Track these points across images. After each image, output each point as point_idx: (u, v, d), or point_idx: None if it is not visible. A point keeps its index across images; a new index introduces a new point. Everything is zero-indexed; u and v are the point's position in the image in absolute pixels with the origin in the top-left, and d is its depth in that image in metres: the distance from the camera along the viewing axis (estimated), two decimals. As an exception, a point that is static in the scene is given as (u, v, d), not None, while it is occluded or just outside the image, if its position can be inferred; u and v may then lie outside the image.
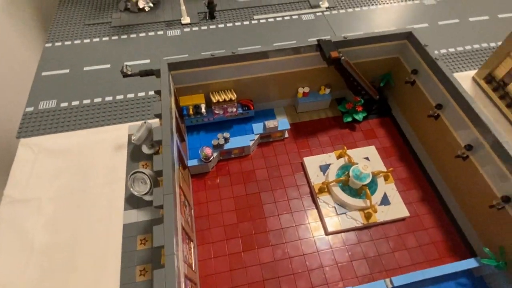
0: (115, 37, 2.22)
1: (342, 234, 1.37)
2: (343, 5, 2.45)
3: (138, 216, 1.40)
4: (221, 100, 1.56)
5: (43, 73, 1.99)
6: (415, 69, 1.51)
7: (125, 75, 1.35)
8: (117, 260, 1.29)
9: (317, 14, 2.38)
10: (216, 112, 1.61)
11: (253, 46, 1.91)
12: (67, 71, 2.00)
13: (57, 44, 2.17)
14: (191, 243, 1.21)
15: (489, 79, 1.88)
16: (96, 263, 1.30)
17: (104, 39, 2.21)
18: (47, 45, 2.16)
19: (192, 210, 1.40)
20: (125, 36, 2.23)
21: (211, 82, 1.55)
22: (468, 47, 2.16)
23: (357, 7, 2.45)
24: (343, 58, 1.34)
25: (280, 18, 2.37)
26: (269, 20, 2.36)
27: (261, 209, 1.44)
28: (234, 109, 1.63)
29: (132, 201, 1.44)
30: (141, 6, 2.37)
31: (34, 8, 2.55)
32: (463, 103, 1.27)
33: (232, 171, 1.56)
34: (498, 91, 1.84)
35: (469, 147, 1.25)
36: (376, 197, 1.39)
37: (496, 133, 1.15)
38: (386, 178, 1.47)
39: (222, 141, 1.49)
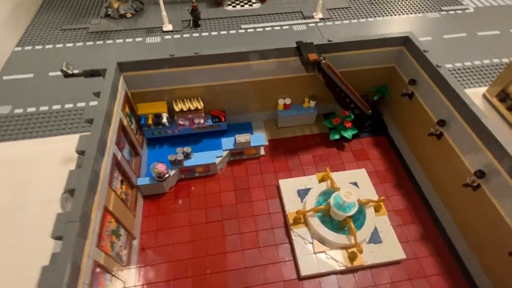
0: (90, 43, 2.07)
1: (320, 278, 1.09)
2: (338, 17, 2.27)
3: (73, 244, 1.14)
4: (184, 109, 1.33)
5: (4, 77, 1.82)
6: (412, 79, 1.27)
7: (67, 75, 1.15)
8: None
9: (310, 25, 2.20)
10: (181, 123, 1.39)
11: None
12: (31, 75, 1.83)
13: (27, 48, 2.03)
14: (117, 282, 0.94)
15: (503, 96, 1.62)
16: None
17: (78, 44, 2.06)
18: (16, 49, 2.02)
19: (135, 240, 1.14)
20: (100, 42, 2.08)
21: (176, 87, 1.34)
22: (477, 62, 1.92)
23: (354, 19, 2.26)
24: (323, 61, 1.12)
25: (270, 28, 2.19)
26: (258, 30, 2.18)
27: (222, 242, 1.17)
28: (202, 120, 1.41)
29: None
30: (122, 12, 2.23)
31: (11, 11, 2.44)
32: (471, 119, 1.02)
33: (194, 193, 1.31)
34: (513, 110, 1.57)
35: (480, 174, 0.98)
36: (364, 233, 1.12)
37: (516, 156, 0.89)
38: (377, 209, 1.19)
39: (181, 157, 1.25)
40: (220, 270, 1.11)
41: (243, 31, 2.18)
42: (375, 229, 1.15)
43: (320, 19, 2.24)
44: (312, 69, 1.17)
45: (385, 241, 1.13)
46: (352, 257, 1.07)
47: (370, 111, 1.39)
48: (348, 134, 1.42)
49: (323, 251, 1.10)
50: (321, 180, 1.28)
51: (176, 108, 1.34)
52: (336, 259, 1.09)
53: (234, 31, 2.18)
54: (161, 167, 1.20)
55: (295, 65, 1.32)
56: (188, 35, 2.14)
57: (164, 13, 2.09)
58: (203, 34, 2.16)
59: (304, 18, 2.26)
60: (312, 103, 1.49)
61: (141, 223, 1.21)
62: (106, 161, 0.95)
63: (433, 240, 1.18)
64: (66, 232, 0.72)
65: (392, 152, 1.45)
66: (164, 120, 1.36)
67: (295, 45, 1.24)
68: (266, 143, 1.48)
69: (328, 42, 1.25)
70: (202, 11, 2.23)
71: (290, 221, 1.17)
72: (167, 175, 1.23)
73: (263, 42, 2.05)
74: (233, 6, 2.38)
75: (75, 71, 1.15)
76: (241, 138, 1.33)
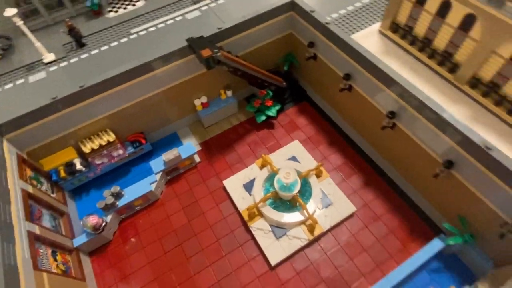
0: (-39, 104, 1.74)
1: (290, 260, 1.12)
2: (228, -8, 2.19)
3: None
4: (95, 148, 1.21)
5: None
6: (310, 41, 1.29)
7: None
8: None
9: (202, 8, 2.09)
10: (98, 162, 1.26)
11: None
12: None
13: None
14: None
15: (395, 27, 1.73)
16: None
17: None
18: None
19: (95, 305, 1.04)
20: (-27, 100, 1.75)
21: (77, 127, 1.20)
22: (365, 1, 2.02)
23: (244, -11, 2.20)
24: (218, 53, 1.07)
25: (163, 24, 2.03)
26: (150, 29, 2.01)
27: (186, 267, 1.13)
28: (121, 151, 1.29)
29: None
30: (-13, 56, 1.89)
31: None
32: (369, 66, 1.07)
33: (142, 228, 1.23)
34: (406, 38, 1.70)
35: (391, 115, 1.05)
36: (315, 202, 1.16)
37: (416, 91, 0.96)
38: (319, 175, 1.24)
39: (110, 200, 1.14)
40: (194, 294, 1.08)
41: (135, 35, 1.99)
42: (323, 193, 1.20)
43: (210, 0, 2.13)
44: (211, 64, 1.11)
45: (334, 201, 1.19)
46: (310, 229, 1.11)
47: (284, 83, 1.40)
48: (272, 112, 1.42)
49: (284, 234, 1.13)
50: (262, 166, 1.28)
51: (86, 150, 1.20)
52: (298, 237, 1.12)
53: (125, 39, 1.98)
54: (93, 219, 1.09)
55: (195, 63, 1.26)
56: (76, 59, 1.89)
57: (37, 43, 1.81)
58: (92, 52, 1.93)
59: (194, 2, 2.14)
60: (229, 93, 1.45)
61: (96, 285, 1.11)
62: (20, 246, 0.82)
63: (375, 183, 1.26)
64: None
65: (317, 114, 1.49)
66: (79, 166, 1.22)
67: (186, 44, 1.16)
68: (198, 148, 1.42)
69: (218, 30, 1.20)
70: (81, 28, 1.97)
71: (246, 218, 1.17)
72: (103, 224, 1.13)
73: (163, 41, 1.90)
74: (115, 11, 2.15)
75: None
76: (169, 155, 1.25)
